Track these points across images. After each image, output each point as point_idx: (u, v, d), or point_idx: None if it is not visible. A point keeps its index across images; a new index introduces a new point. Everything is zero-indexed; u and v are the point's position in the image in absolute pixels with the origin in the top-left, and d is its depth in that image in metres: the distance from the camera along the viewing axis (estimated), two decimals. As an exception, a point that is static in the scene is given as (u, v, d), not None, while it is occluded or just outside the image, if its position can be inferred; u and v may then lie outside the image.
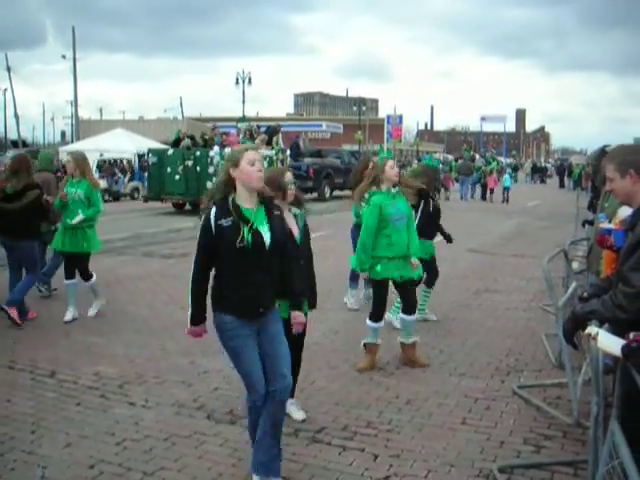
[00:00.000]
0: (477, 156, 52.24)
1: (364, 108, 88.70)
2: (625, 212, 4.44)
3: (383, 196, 6.86)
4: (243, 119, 37.57)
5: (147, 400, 5.92)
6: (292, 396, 5.37)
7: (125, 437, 5.14)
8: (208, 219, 4.23)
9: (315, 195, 29.68)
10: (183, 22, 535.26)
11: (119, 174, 34.87)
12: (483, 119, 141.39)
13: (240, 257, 4.22)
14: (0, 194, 8.31)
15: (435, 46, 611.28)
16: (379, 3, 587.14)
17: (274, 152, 25.16)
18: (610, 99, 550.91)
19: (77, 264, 8.74)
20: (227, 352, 4.41)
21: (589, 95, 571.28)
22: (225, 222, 4.19)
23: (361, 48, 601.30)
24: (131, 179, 36.41)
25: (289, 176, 5.36)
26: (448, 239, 9.14)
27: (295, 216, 5.40)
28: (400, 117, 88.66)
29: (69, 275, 8.76)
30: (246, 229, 4.20)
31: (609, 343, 3.28)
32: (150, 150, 26.32)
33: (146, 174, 27.14)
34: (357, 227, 9.11)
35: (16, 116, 54.09)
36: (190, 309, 4.40)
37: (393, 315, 8.33)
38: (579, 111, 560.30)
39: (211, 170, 22.55)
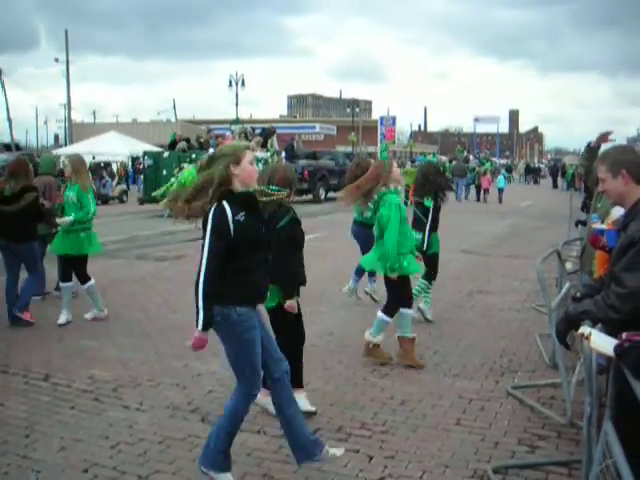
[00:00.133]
0: (471, 157, 52.33)
1: (357, 110, 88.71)
2: (618, 212, 4.45)
3: (395, 195, 7.08)
4: (236, 121, 37.55)
5: (141, 403, 5.91)
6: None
7: (119, 440, 5.13)
8: (225, 217, 4.18)
9: (310, 197, 29.70)
10: (176, 25, 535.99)
11: (107, 177, 34.75)
12: (477, 120, 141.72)
13: (255, 250, 4.32)
14: None
15: (429, 47, 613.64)
16: (373, 4, 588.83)
17: (269, 154, 25.21)
18: (603, 99, 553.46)
19: (75, 267, 8.74)
20: (240, 346, 4.33)
21: (582, 96, 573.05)
22: (241, 217, 4.21)
23: (355, 49, 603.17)
24: (120, 182, 36.26)
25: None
26: None
27: None
28: (393, 118, 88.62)
29: (65, 278, 8.76)
30: (259, 223, 4.37)
31: (602, 343, 3.29)
32: (146, 153, 26.38)
33: (142, 177, 27.11)
34: (361, 225, 9.34)
35: (9, 119, 53.87)
36: (202, 314, 4.15)
37: (426, 306, 8.81)
38: (572, 112, 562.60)
39: None
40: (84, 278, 8.79)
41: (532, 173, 65.13)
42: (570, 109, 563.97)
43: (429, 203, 8.58)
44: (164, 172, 23.30)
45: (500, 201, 32.65)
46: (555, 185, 51.12)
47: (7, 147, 46.52)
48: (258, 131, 29.24)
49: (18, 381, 6.44)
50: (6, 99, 52.56)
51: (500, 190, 33.93)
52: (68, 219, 8.54)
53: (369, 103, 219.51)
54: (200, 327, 4.14)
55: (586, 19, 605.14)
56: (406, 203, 8.50)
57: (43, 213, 8.71)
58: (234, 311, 4.25)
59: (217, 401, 5.93)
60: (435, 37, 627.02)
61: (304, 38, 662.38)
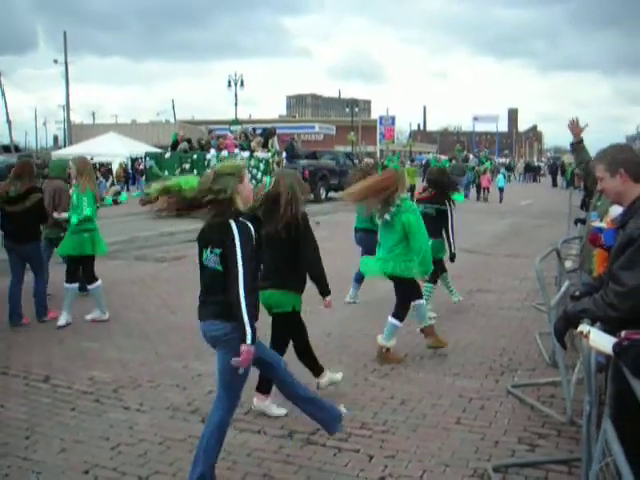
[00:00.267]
0: (470, 156, 52.35)
1: (357, 109, 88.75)
2: (616, 211, 4.46)
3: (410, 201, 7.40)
4: (236, 122, 37.47)
5: (141, 404, 5.92)
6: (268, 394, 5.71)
7: (120, 441, 5.14)
8: (250, 233, 4.27)
9: (311, 197, 29.69)
10: (175, 25, 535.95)
11: (101, 178, 34.54)
12: (476, 119, 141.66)
13: (259, 267, 4.60)
14: (4, 197, 8.45)
15: (428, 47, 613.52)
16: (372, 4, 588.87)
17: (270, 154, 25.23)
18: (602, 98, 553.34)
19: (82, 267, 8.87)
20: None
21: (582, 94, 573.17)
22: (255, 234, 4.37)
23: (354, 49, 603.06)
24: (114, 183, 36.20)
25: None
26: None
27: None
28: (393, 118, 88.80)
29: (69, 279, 8.81)
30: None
31: (601, 341, 3.29)
32: (147, 154, 26.46)
33: (143, 177, 27.12)
34: (365, 231, 9.53)
35: (8, 121, 53.95)
36: (250, 327, 4.11)
37: (455, 297, 9.59)
38: (572, 110, 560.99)
39: None
40: (91, 279, 8.88)
41: (532, 172, 65.12)
42: (569, 108, 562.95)
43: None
44: (166, 173, 23.38)
45: (500, 200, 32.67)
46: (554, 183, 51.11)
47: (6, 149, 46.58)
48: (259, 131, 29.27)
49: (18, 382, 6.44)
50: (5, 101, 52.61)
51: (500, 189, 33.95)
52: (63, 215, 8.81)
53: (368, 103, 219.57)
54: (250, 341, 4.10)
55: (585, 18, 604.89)
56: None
57: (48, 214, 8.84)
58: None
59: (217, 402, 5.93)
60: (434, 36, 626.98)
61: (303, 38, 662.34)
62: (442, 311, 9.15)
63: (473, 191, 35.46)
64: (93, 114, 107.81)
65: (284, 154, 27.33)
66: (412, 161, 41.42)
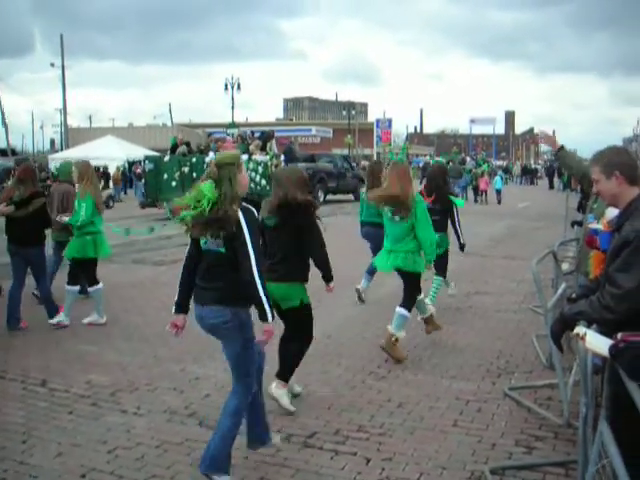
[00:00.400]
0: (468, 158, 52.40)
1: (353, 112, 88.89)
2: (612, 213, 4.46)
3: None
4: (233, 125, 37.59)
5: (139, 407, 5.92)
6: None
7: (117, 445, 5.13)
8: (256, 219, 4.52)
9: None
10: (172, 29, 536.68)
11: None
12: (472, 121, 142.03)
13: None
14: (8, 202, 8.55)
15: (424, 49, 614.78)
16: (368, 6, 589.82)
17: (268, 157, 25.27)
18: (599, 100, 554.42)
19: (83, 270, 8.93)
20: (248, 345, 4.47)
21: (578, 96, 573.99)
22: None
23: (350, 52, 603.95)
24: (107, 186, 36.10)
25: None
26: None
27: None
28: (389, 121, 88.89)
29: (71, 281, 8.90)
30: None
31: (597, 343, 3.30)
32: (146, 157, 26.50)
33: (142, 181, 27.12)
34: (372, 225, 9.66)
35: (4, 125, 53.83)
36: (268, 306, 4.33)
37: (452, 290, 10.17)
38: (568, 112, 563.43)
39: None
40: (92, 281, 8.95)
41: (529, 174, 65.23)
42: (566, 110, 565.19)
43: (461, 202, 9.49)
44: (165, 176, 23.44)
45: (499, 202, 32.82)
46: (551, 186, 51.17)
47: (3, 152, 46.54)
48: (257, 134, 29.31)
49: (16, 387, 6.44)
50: (1, 104, 52.54)
51: (498, 191, 34.08)
52: (64, 218, 8.85)
53: (365, 105, 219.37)
54: (270, 319, 4.31)
55: (581, 20, 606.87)
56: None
57: (51, 218, 8.93)
58: (244, 312, 4.44)
59: (214, 405, 5.92)
60: (430, 39, 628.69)
61: (299, 41, 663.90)
62: (439, 313, 9.14)
63: (471, 193, 35.49)
64: (90, 117, 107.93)
65: (282, 157, 27.35)
66: (409, 163, 41.40)
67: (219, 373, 6.53)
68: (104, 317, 8.81)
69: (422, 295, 7.71)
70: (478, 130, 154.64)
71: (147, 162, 24.97)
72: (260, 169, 24.96)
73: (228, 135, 29.21)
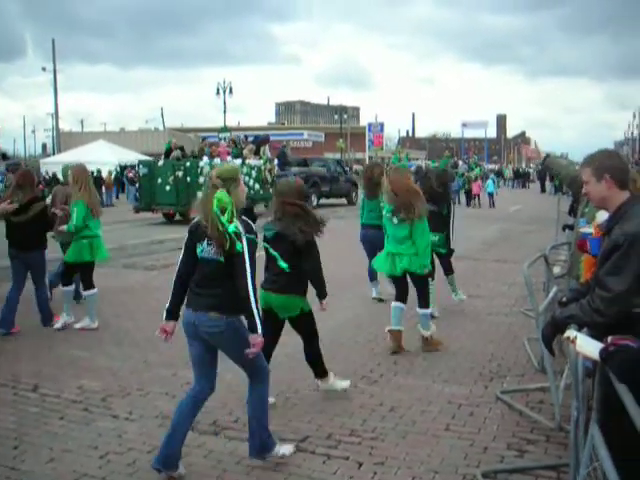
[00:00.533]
0: (460, 162, 52.48)
1: (345, 116, 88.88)
2: (603, 216, 4.48)
3: None
4: (225, 129, 37.48)
5: (131, 412, 5.90)
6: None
7: (108, 450, 5.12)
8: (253, 229, 4.60)
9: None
10: (164, 33, 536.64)
11: None
12: (464, 125, 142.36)
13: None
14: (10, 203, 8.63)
15: (416, 53, 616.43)
16: (359, 11, 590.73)
17: (262, 162, 25.32)
18: (592, 104, 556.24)
19: (80, 273, 9.04)
20: (247, 344, 4.53)
21: (571, 100, 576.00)
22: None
23: (342, 56, 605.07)
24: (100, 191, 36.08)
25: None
26: None
27: None
28: (381, 125, 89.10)
29: (66, 282, 9.01)
30: None
31: (588, 347, 3.31)
32: (141, 161, 26.51)
33: (136, 185, 27.10)
34: (371, 227, 9.93)
35: (-4, 129, 53.88)
36: (259, 319, 4.50)
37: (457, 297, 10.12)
38: (560, 116, 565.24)
39: (201, 180, 22.75)
40: (87, 285, 8.97)
41: (521, 178, 65.46)
42: (558, 114, 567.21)
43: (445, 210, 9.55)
44: (159, 180, 23.44)
45: (493, 205, 32.99)
46: (543, 189, 51.33)
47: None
48: (251, 139, 29.41)
49: (7, 392, 6.41)
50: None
51: (490, 195, 34.22)
52: (63, 227, 8.87)
53: (357, 110, 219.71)
54: (260, 331, 4.47)
55: (573, 24, 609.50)
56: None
57: (52, 222, 9.00)
58: (237, 319, 4.58)
59: (206, 410, 5.88)
60: (421, 43, 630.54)
61: (291, 45, 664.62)
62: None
63: (463, 197, 35.55)
64: (82, 122, 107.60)
65: (276, 161, 27.41)
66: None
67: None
68: (96, 322, 8.80)
69: (429, 310, 7.92)
70: (470, 134, 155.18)
71: (141, 166, 24.98)
72: (254, 173, 25.00)
73: (220, 139, 29.18)
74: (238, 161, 24.61)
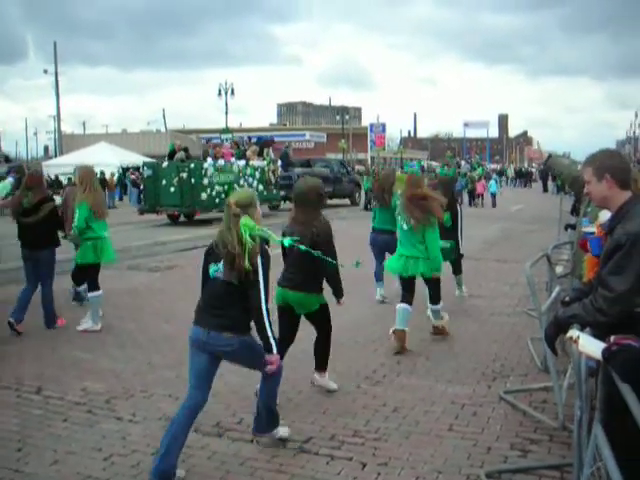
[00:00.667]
0: (462, 162, 52.48)
1: (347, 117, 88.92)
2: (606, 216, 4.48)
3: None
4: (227, 130, 37.52)
5: (134, 414, 5.90)
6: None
7: (112, 452, 5.12)
8: (269, 254, 4.80)
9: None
10: (164, 35, 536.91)
11: None
12: (466, 125, 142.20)
13: None
14: (19, 209, 8.87)
15: (417, 53, 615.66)
16: (360, 11, 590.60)
17: (266, 163, 25.37)
18: (593, 103, 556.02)
19: (86, 275, 9.12)
20: (260, 354, 4.80)
21: (572, 99, 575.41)
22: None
23: (343, 56, 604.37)
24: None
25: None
26: None
27: None
28: (383, 125, 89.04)
29: (76, 283, 9.36)
30: None
31: (590, 346, 3.31)
32: (145, 163, 26.58)
33: (140, 187, 27.17)
34: (383, 232, 10.15)
35: (-3, 132, 53.95)
36: (274, 340, 4.73)
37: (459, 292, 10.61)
38: (562, 115, 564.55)
39: (205, 182, 22.91)
40: (92, 286, 9.01)
41: (523, 177, 65.43)
42: (560, 113, 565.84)
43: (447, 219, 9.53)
44: (163, 182, 23.49)
45: (494, 205, 32.99)
46: (545, 189, 51.28)
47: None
48: (254, 140, 29.53)
49: (10, 394, 6.42)
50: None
51: (493, 194, 34.24)
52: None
53: (359, 110, 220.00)
54: (275, 351, 4.73)
55: (574, 23, 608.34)
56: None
57: (62, 221, 9.25)
58: (249, 336, 4.82)
59: (209, 411, 5.90)
60: (422, 43, 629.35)
61: (292, 46, 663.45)
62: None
63: (466, 197, 35.56)
64: (84, 124, 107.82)
65: (279, 162, 27.46)
66: (402, 168, 41.42)
67: (214, 380, 6.51)
68: (99, 324, 8.81)
69: (441, 304, 8.26)
70: (472, 134, 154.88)
71: (145, 168, 25.01)
72: (257, 174, 25.06)
73: (223, 141, 29.25)
74: (242, 162, 24.69)
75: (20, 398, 6.32)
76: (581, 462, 3.52)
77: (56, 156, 53.74)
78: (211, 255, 4.82)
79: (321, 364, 6.49)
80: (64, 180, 35.42)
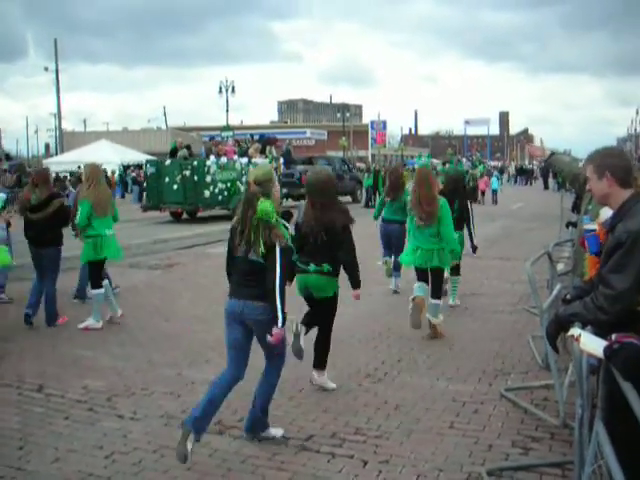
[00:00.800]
0: (464, 159, 52.44)
1: (348, 114, 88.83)
2: (607, 213, 4.47)
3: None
4: (227, 128, 37.55)
5: (135, 412, 5.90)
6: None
7: (114, 450, 5.12)
8: (287, 230, 5.03)
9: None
10: (164, 32, 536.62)
11: (71, 187, 33.77)
12: (467, 122, 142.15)
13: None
14: (26, 205, 8.98)
15: (418, 51, 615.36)
16: (361, 8, 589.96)
17: (268, 160, 25.37)
18: (593, 100, 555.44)
19: (90, 271, 9.15)
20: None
21: (572, 97, 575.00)
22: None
23: (344, 54, 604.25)
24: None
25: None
26: None
27: None
28: (384, 122, 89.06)
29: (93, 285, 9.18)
30: None
31: (592, 344, 3.31)
32: (148, 161, 26.68)
33: (143, 185, 27.20)
34: (394, 222, 10.63)
35: (-3, 130, 53.88)
36: (282, 313, 4.85)
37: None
38: (562, 113, 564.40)
39: (208, 179, 22.99)
40: (94, 284, 9.03)
41: (524, 174, 65.36)
42: (560, 110, 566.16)
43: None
44: (166, 179, 23.58)
45: (496, 202, 32.99)
46: (546, 186, 51.24)
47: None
48: (257, 137, 29.60)
49: (11, 392, 6.42)
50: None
51: (494, 191, 34.31)
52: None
53: (359, 107, 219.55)
54: (281, 325, 4.84)
55: (574, 21, 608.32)
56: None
57: (70, 218, 9.28)
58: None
59: (211, 409, 5.93)
60: (423, 40, 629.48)
61: (292, 43, 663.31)
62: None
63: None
64: (84, 122, 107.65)
65: (281, 160, 27.47)
66: (404, 165, 41.40)
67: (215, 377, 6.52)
68: (100, 322, 8.81)
69: (442, 302, 8.39)
70: (473, 131, 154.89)
71: (149, 166, 25.12)
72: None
73: (223, 138, 29.27)
74: (244, 160, 24.72)
75: (21, 396, 6.32)
76: (582, 460, 3.52)
77: (57, 154, 53.72)
78: (234, 233, 5.04)
79: (320, 362, 6.51)
80: (68, 176, 35.39)
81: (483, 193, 34.56)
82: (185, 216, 24.76)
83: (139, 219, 24.08)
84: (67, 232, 9.37)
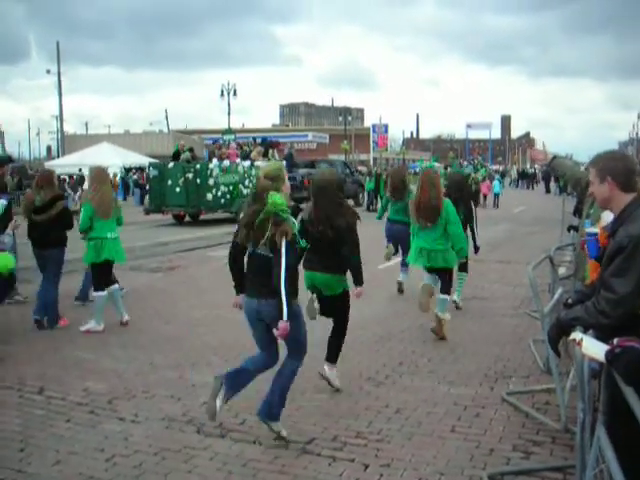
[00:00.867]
0: (465, 163, 52.43)
1: (350, 118, 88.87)
2: (608, 216, 4.47)
3: None
4: (229, 131, 37.52)
5: (136, 415, 5.90)
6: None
7: (115, 453, 5.12)
8: (295, 226, 5.13)
9: (310, 204, 29.86)
10: (166, 35, 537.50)
11: (69, 190, 33.75)
12: (469, 126, 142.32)
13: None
14: (30, 207, 9.01)
15: (419, 54, 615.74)
16: (362, 12, 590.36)
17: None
18: (594, 104, 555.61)
19: (92, 274, 9.19)
20: (302, 324, 5.37)
21: (574, 100, 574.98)
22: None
23: (345, 57, 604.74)
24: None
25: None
26: None
27: None
28: (386, 126, 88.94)
29: (99, 287, 9.15)
30: None
31: (593, 349, 3.30)
32: (151, 164, 26.73)
33: (145, 188, 27.24)
34: (399, 223, 10.80)
35: (0, 132, 53.84)
36: (287, 306, 4.86)
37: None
38: (564, 116, 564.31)
39: (211, 182, 23.08)
40: (96, 286, 9.04)
41: (526, 178, 65.34)
42: (562, 114, 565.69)
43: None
44: (169, 182, 23.64)
45: (497, 206, 33.01)
46: (548, 190, 51.26)
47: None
48: (259, 141, 29.69)
49: (12, 395, 6.42)
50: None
51: (496, 195, 34.36)
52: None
53: (361, 111, 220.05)
54: (286, 318, 4.84)
55: (576, 25, 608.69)
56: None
57: (73, 220, 9.28)
58: (297, 306, 5.23)
59: (212, 412, 5.93)
60: (425, 44, 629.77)
61: (294, 46, 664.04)
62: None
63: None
64: (86, 124, 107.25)
65: (284, 163, 27.51)
66: (406, 169, 41.44)
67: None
68: (102, 324, 8.80)
69: (449, 296, 8.50)
70: (474, 135, 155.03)
71: (151, 168, 25.19)
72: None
73: (224, 142, 29.29)
74: (247, 163, 24.78)
75: (22, 398, 6.32)
76: (584, 464, 3.52)
77: (59, 156, 53.83)
78: (244, 224, 5.12)
79: (332, 356, 6.57)
80: (67, 179, 35.44)
81: (485, 197, 34.60)
82: (187, 219, 24.78)
83: (141, 222, 24.07)
84: (73, 235, 9.36)
